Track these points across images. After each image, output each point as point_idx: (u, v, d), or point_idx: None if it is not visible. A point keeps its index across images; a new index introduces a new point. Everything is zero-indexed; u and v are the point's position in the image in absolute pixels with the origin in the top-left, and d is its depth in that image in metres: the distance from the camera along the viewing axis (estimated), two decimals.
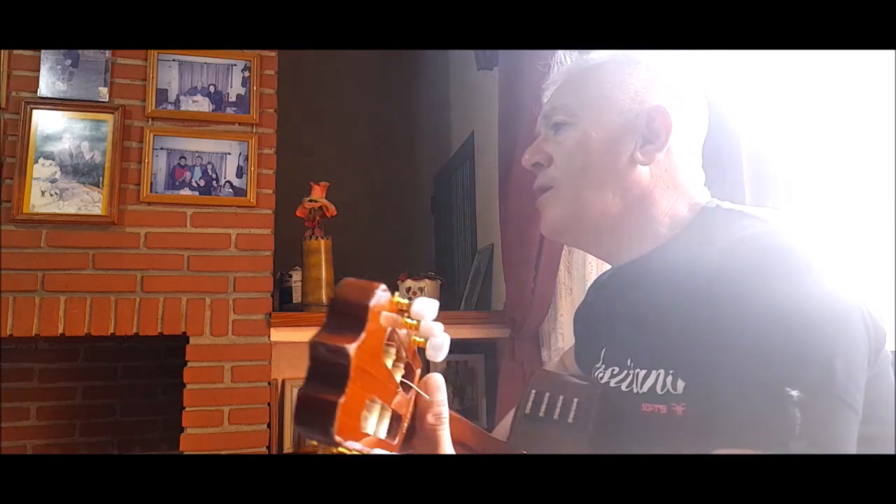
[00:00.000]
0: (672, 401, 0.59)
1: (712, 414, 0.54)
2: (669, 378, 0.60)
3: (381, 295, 0.42)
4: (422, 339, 0.47)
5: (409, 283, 2.14)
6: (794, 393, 0.50)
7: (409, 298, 0.46)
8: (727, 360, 0.54)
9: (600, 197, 0.69)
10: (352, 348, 0.39)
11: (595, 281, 0.92)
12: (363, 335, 0.40)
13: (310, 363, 0.40)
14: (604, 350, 0.76)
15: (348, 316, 0.41)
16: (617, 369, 0.70)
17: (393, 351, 0.47)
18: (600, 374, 0.73)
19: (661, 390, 0.61)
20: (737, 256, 0.58)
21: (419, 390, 0.50)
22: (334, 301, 0.42)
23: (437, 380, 0.51)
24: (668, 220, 0.69)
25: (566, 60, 0.77)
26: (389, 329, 0.45)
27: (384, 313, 0.43)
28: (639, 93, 0.70)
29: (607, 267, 0.91)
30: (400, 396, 0.46)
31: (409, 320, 0.46)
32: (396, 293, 0.45)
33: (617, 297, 0.77)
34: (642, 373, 0.64)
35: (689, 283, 0.61)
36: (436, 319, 0.46)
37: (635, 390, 0.64)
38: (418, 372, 0.51)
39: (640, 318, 0.69)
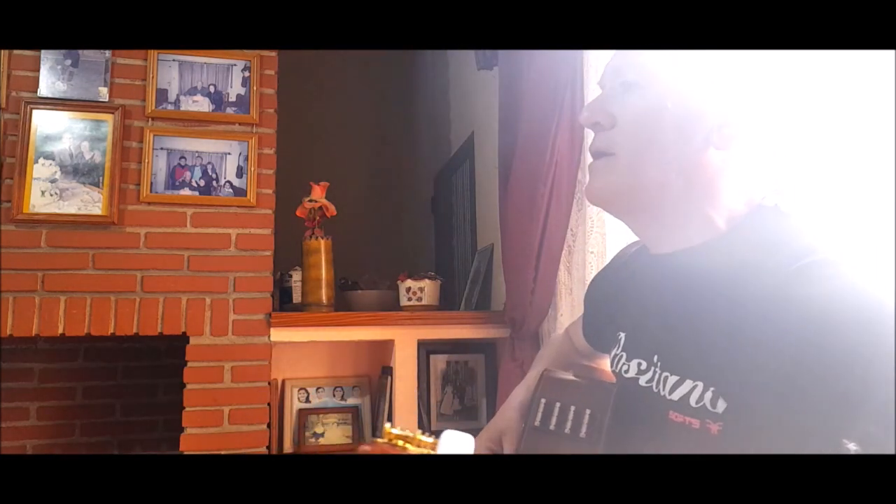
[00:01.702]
0: (708, 417, 0.56)
1: (754, 444, 0.51)
2: (709, 394, 0.56)
3: None
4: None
5: (409, 283, 2.14)
6: (852, 446, 0.45)
7: (430, 437, 0.43)
8: (778, 394, 0.50)
9: (662, 176, 0.62)
10: None
11: (622, 250, 0.84)
12: None
13: None
14: (623, 335, 0.72)
15: None
16: (644, 364, 0.66)
17: None
18: (623, 367, 0.69)
19: (696, 403, 0.57)
20: (797, 285, 0.52)
21: None
22: None
23: None
24: (727, 213, 0.62)
25: None
26: None
27: None
28: (726, 67, 0.62)
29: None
30: None
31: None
32: (418, 432, 0.42)
33: (646, 281, 0.71)
34: (672, 378, 0.60)
35: (740, 294, 0.56)
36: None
37: (662, 393, 0.61)
38: None
39: (674, 315, 0.64)
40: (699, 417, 0.56)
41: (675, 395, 0.59)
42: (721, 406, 0.55)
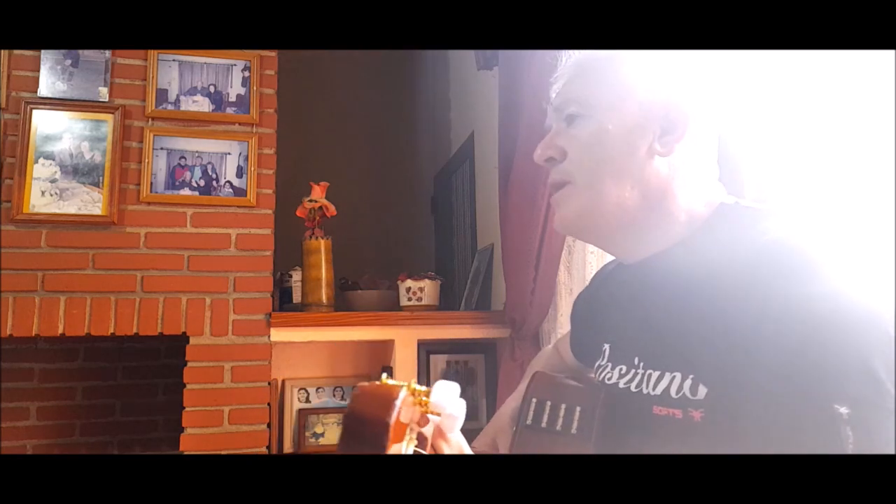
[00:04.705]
0: (689, 406, 0.57)
1: (739, 423, 0.53)
2: (688, 382, 0.58)
3: (402, 400, 0.39)
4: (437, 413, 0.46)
5: (409, 283, 2.14)
6: (843, 410, 0.46)
7: (423, 386, 0.44)
8: (759, 370, 0.52)
9: (618, 191, 0.66)
10: None
11: (600, 270, 0.89)
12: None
13: None
14: (608, 346, 0.74)
15: (367, 436, 0.38)
16: (624, 368, 0.68)
17: (409, 431, 0.47)
18: (607, 374, 0.71)
19: (677, 394, 0.59)
20: (765, 261, 0.56)
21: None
22: (350, 418, 0.38)
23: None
24: (686, 216, 0.66)
25: (575, 52, 0.73)
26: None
27: (404, 410, 0.41)
28: (655, 83, 0.67)
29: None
30: None
31: (428, 404, 0.45)
32: (413, 381, 0.44)
33: (625, 292, 0.75)
34: (655, 374, 0.63)
35: (712, 285, 0.59)
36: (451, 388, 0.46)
37: (644, 391, 0.63)
38: (428, 433, 0.51)
39: (653, 317, 0.67)
40: (681, 407, 0.58)
41: (658, 390, 0.62)
42: (702, 392, 0.57)
